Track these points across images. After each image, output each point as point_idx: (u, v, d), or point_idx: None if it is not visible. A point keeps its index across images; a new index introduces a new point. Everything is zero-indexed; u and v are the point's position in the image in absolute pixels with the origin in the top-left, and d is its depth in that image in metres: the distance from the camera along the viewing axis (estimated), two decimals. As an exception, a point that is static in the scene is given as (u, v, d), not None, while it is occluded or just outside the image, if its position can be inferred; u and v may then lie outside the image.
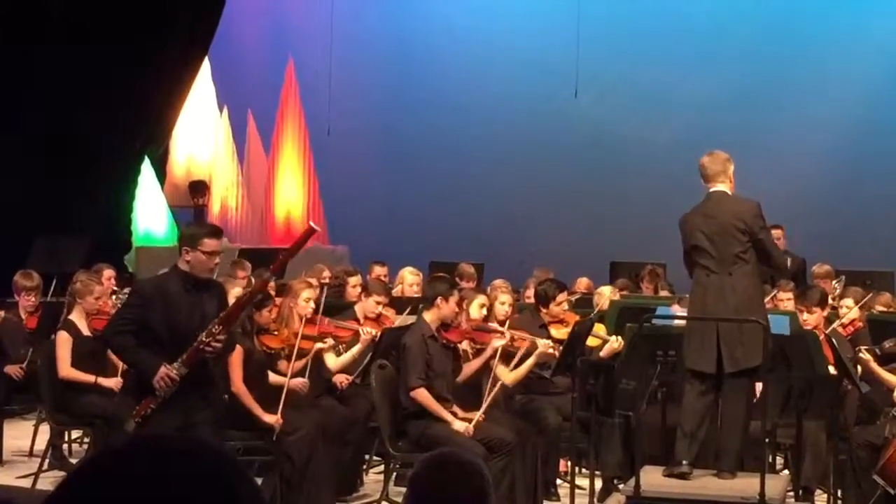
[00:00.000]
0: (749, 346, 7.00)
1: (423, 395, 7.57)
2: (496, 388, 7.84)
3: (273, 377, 7.79)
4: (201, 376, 6.34)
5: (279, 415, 7.45)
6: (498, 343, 8.03)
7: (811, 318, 8.43)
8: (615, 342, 8.39)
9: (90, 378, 8.25)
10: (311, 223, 6.66)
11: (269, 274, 6.68)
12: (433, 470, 2.90)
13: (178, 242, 6.43)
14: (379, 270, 11.64)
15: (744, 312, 7.05)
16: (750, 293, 7.17)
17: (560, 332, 8.46)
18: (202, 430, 6.19)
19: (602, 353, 8.49)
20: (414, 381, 7.57)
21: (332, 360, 8.39)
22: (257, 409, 7.49)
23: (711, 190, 7.31)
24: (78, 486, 1.45)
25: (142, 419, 6.22)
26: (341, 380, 8.44)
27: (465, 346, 8.11)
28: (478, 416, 7.59)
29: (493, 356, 8.03)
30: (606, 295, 9.71)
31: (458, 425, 7.51)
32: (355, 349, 8.40)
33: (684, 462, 7.02)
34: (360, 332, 8.43)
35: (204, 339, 6.19)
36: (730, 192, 7.30)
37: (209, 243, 6.33)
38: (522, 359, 8.17)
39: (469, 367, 7.98)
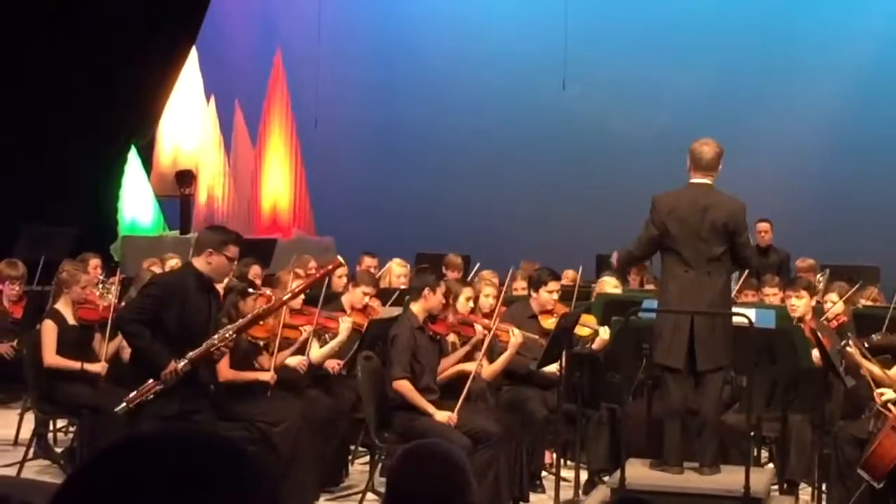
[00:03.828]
0: (722, 344, 7.05)
1: (405, 386, 7.56)
2: (469, 382, 7.82)
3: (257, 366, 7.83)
4: (201, 370, 6.60)
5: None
6: (477, 339, 8.06)
7: (800, 304, 8.39)
8: (605, 333, 8.35)
9: (76, 364, 8.21)
10: (339, 257, 7.66)
11: (293, 296, 7.36)
12: (409, 462, 2.90)
13: (199, 244, 6.57)
14: (369, 262, 11.61)
15: (719, 310, 7.11)
16: (725, 291, 7.29)
17: (548, 323, 8.45)
18: (204, 420, 6.36)
19: (595, 346, 8.46)
20: (398, 372, 7.56)
21: (315, 352, 8.36)
22: (252, 375, 7.66)
23: (699, 181, 7.27)
24: (97, 473, 1.43)
25: (137, 405, 6.32)
26: (333, 365, 8.42)
27: (452, 338, 8.11)
28: (457, 407, 7.57)
29: (475, 349, 8.03)
30: (611, 284, 9.65)
31: (441, 416, 7.50)
32: (335, 341, 8.39)
33: (683, 464, 7.08)
34: (341, 321, 8.42)
35: (217, 343, 6.44)
36: (714, 187, 7.30)
37: (234, 250, 6.54)
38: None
39: (446, 363, 7.96)
